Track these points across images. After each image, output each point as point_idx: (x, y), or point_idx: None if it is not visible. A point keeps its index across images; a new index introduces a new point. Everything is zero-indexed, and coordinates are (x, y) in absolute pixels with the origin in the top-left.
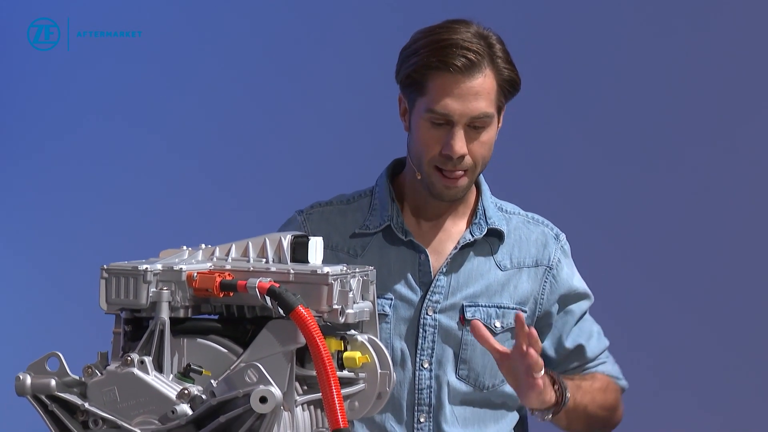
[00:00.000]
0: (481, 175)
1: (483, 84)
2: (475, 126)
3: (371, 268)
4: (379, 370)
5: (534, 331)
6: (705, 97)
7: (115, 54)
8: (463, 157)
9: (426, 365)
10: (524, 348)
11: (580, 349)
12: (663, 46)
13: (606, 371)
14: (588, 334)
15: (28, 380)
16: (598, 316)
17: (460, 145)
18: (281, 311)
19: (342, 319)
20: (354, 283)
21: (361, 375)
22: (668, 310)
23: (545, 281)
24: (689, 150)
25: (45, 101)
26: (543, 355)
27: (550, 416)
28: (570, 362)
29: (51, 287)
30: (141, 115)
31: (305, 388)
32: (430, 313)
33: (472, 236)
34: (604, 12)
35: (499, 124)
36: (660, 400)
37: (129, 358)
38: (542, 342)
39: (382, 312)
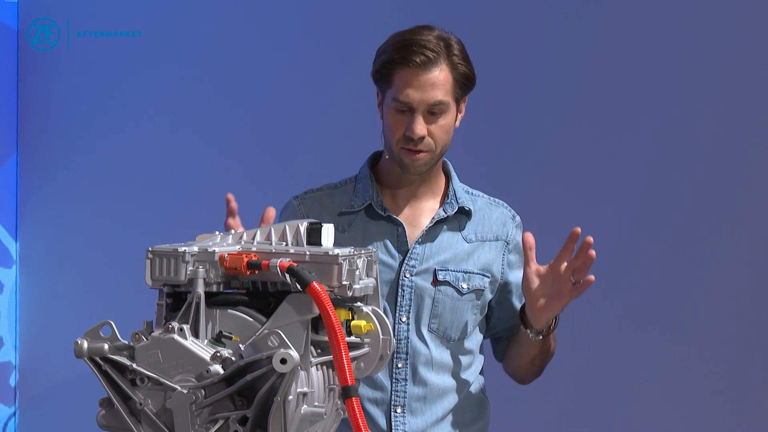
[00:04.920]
0: (451, 164)
1: (438, 77)
2: (432, 112)
3: (374, 250)
4: (381, 336)
5: (589, 238)
6: (673, 80)
7: (115, 54)
8: (422, 137)
9: (404, 319)
10: (570, 253)
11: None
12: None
13: None
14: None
15: (85, 344)
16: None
17: (419, 128)
18: (299, 286)
19: (350, 293)
20: (360, 262)
21: (366, 340)
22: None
23: (504, 255)
24: (666, 137)
25: (45, 101)
26: (498, 316)
27: (541, 337)
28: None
29: (105, 266)
30: (141, 115)
31: (319, 351)
32: (408, 275)
33: (445, 213)
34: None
35: (461, 114)
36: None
37: (170, 326)
38: (502, 308)
39: None
